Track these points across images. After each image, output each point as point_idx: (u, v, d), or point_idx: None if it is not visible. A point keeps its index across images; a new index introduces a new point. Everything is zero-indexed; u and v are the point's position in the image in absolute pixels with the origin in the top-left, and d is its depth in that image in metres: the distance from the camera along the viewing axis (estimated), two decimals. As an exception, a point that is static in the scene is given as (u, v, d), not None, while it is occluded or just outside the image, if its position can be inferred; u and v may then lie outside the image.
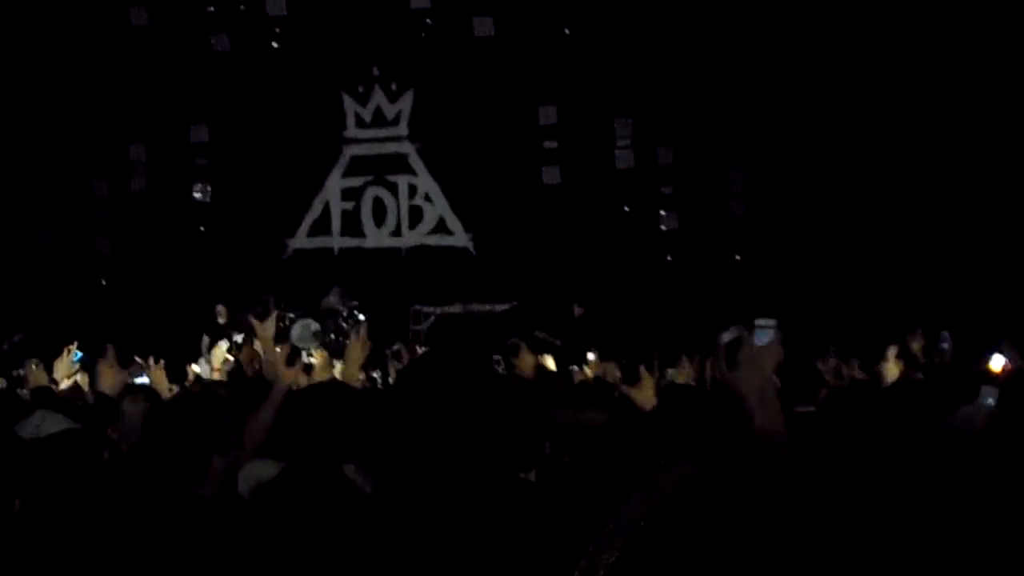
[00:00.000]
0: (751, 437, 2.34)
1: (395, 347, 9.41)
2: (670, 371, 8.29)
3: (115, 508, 2.73)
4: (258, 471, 3.15)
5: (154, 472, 2.79)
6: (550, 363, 7.22)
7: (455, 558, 1.90)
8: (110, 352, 5.11)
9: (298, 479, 2.74)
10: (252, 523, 2.61)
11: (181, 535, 2.60)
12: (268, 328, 5.10)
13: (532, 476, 3.13)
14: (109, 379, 4.89)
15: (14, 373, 8.26)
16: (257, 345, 6.65)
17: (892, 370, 5.60)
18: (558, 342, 10.30)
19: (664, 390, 4.04)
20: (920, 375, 5.64)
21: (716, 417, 2.73)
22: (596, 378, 7.00)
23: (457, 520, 1.94)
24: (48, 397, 4.80)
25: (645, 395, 3.67)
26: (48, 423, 3.23)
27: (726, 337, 2.56)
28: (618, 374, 7.05)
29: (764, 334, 2.67)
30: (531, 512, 2.01)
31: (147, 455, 2.89)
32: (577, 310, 12.79)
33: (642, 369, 3.54)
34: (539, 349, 7.22)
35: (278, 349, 4.59)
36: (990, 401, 3.76)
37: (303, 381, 5.59)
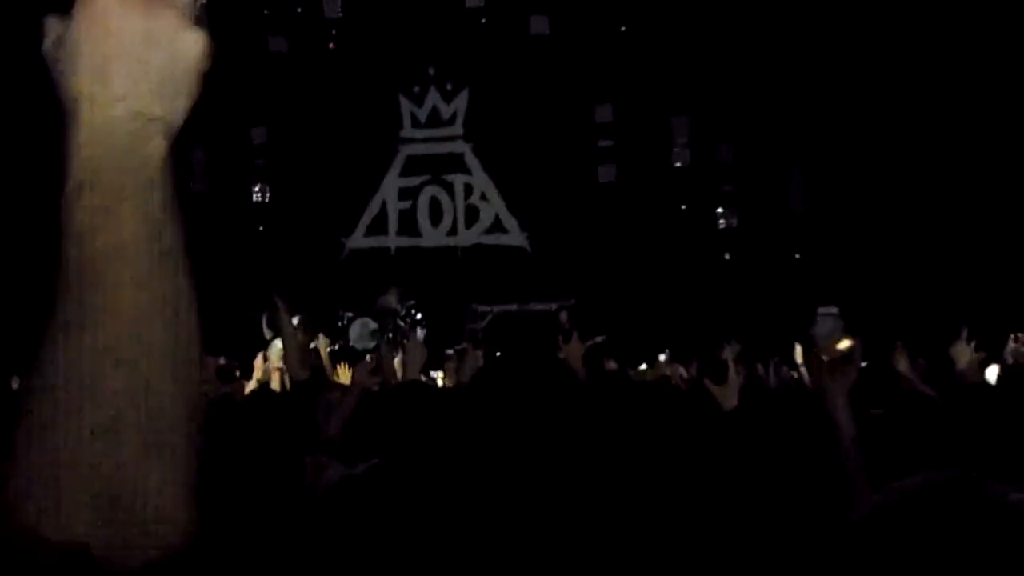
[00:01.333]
0: (836, 443, 2.29)
1: (458, 347, 9.41)
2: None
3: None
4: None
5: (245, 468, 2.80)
6: (610, 363, 7.17)
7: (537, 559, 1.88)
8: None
9: (387, 478, 2.73)
10: (337, 522, 2.60)
11: (269, 532, 2.61)
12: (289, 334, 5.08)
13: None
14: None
15: None
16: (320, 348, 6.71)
17: (965, 353, 5.44)
18: (602, 338, 10.21)
19: (746, 390, 3.96)
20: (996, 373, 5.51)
21: (800, 423, 2.69)
22: (662, 377, 6.95)
23: (543, 522, 1.92)
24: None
25: (729, 394, 3.59)
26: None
27: (819, 333, 2.52)
28: (683, 373, 6.99)
29: (825, 322, 2.62)
30: (614, 511, 1.98)
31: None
32: (563, 317, 12.68)
33: (730, 368, 3.46)
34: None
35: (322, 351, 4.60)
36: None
37: (346, 380, 5.62)
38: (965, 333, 5.40)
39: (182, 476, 0.80)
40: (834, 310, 2.63)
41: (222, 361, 6.68)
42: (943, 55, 12.17)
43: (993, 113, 11.93)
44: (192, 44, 0.94)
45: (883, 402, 3.64)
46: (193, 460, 0.82)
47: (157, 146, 0.90)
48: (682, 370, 7.45)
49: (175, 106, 0.91)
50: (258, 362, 7.24)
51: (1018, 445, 2.57)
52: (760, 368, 7.03)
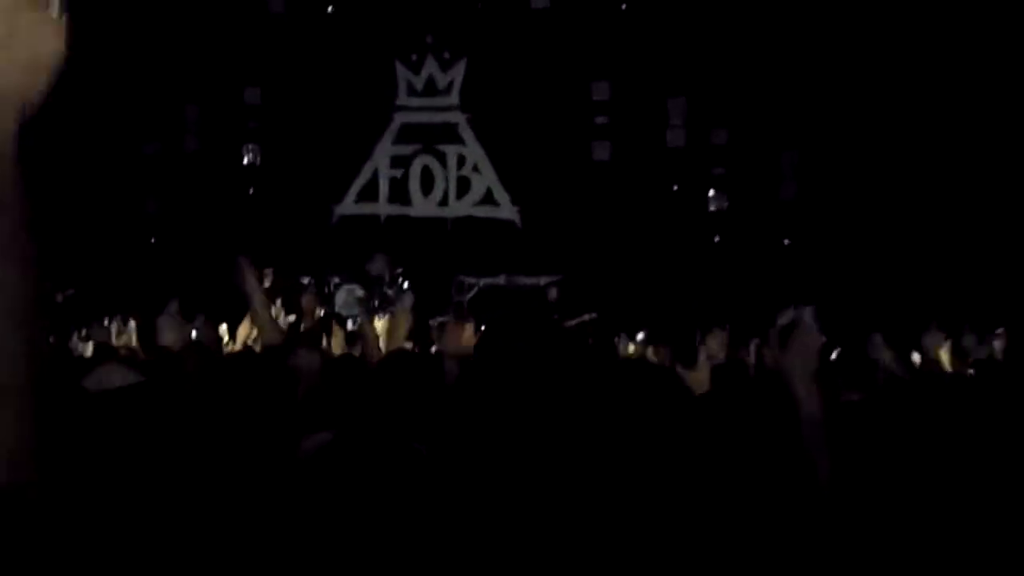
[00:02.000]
0: (797, 423, 2.31)
1: (441, 319, 9.42)
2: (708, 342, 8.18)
3: (186, 463, 2.74)
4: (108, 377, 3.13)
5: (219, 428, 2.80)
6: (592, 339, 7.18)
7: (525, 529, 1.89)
8: (173, 307, 5.12)
9: (361, 447, 2.73)
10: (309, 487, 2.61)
11: (246, 494, 2.62)
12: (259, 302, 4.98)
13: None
14: (172, 334, 4.90)
15: (75, 332, 8.37)
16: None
17: (937, 344, 5.50)
18: (592, 315, 10.26)
19: (715, 372, 3.98)
20: (971, 370, 5.54)
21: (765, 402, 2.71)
22: (640, 358, 6.96)
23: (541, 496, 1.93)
24: (109, 353, 4.84)
25: (700, 378, 3.61)
26: (113, 376, 3.25)
27: (783, 320, 2.53)
28: (659, 355, 7.01)
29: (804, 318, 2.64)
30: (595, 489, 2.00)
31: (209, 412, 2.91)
32: (551, 293, 12.71)
33: (701, 351, 3.48)
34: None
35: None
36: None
37: (338, 349, 5.60)
38: (946, 346, 5.45)
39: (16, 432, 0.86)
40: (810, 309, 2.64)
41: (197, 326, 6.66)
42: (935, 48, 12.18)
43: (983, 105, 11.96)
44: (50, 36, 0.98)
45: (859, 388, 3.68)
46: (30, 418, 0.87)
47: (5, 126, 0.92)
48: (653, 351, 7.47)
49: (27, 89, 0.93)
50: (243, 327, 7.22)
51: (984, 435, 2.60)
52: (745, 352, 7.06)
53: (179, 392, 3.98)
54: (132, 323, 6.67)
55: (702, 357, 3.32)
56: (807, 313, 2.67)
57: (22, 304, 0.88)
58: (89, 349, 6.01)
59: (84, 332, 7.00)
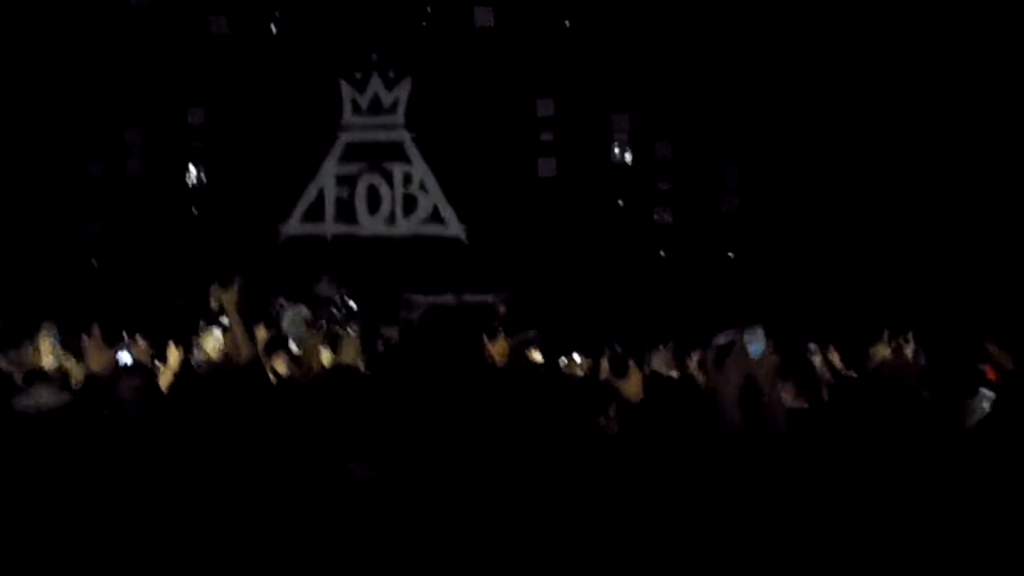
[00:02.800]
0: (721, 431, 2.37)
1: (384, 334, 9.40)
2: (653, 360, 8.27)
3: (123, 479, 2.73)
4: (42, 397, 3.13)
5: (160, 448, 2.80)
6: (536, 355, 7.22)
7: (449, 544, 1.91)
8: (95, 331, 5.08)
9: (304, 467, 2.75)
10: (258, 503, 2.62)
11: (190, 514, 2.61)
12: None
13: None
14: (97, 357, 4.87)
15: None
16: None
17: (882, 351, 5.61)
18: (533, 332, 10.29)
19: (649, 383, 4.05)
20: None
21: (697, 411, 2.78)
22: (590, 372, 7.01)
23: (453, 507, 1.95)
24: (39, 375, 4.79)
25: (632, 388, 3.68)
26: (45, 397, 3.23)
27: (721, 340, 2.60)
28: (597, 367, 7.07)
29: (756, 346, 2.70)
30: (528, 499, 2.02)
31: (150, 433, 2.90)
32: (501, 308, 12.72)
33: (631, 362, 3.55)
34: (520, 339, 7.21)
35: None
36: (985, 405, 3.78)
37: (282, 370, 5.59)
38: (886, 335, 5.55)
39: None
40: (759, 330, 2.71)
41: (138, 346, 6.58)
42: (877, 57, 12.42)
43: (928, 115, 12.21)
44: None
45: (805, 395, 3.76)
46: None
47: None
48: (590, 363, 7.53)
49: None
50: (209, 341, 7.18)
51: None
52: (688, 365, 7.13)
53: (109, 413, 3.95)
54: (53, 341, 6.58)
55: (632, 368, 3.38)
56: (754, 333, 2.73)
57: None
58: (19, 370, 5.92)
59: (13, 353, 6.88)
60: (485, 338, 5.29)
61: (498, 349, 4.91)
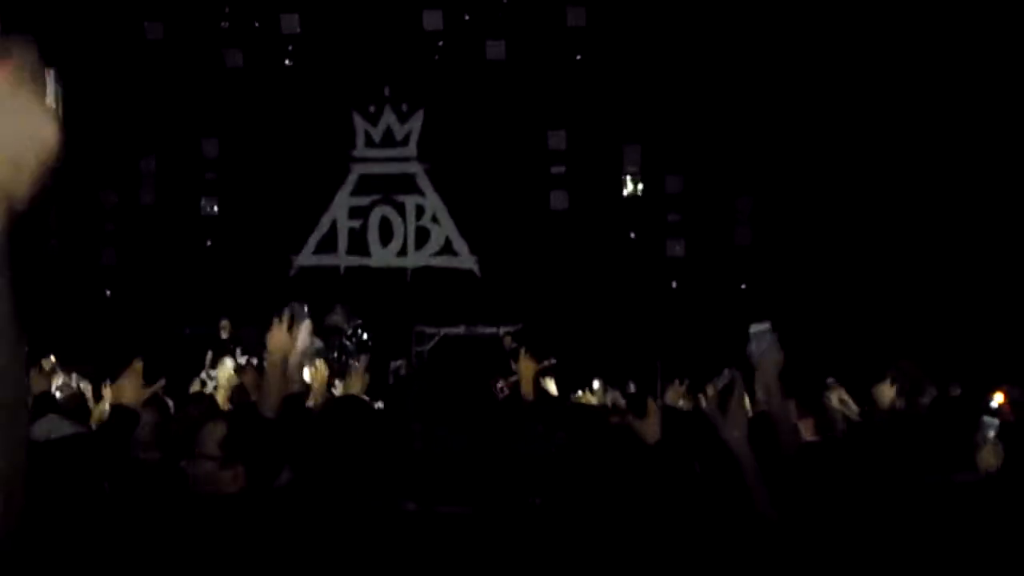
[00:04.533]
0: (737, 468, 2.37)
1: (397, 364, 9.39)
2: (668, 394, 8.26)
3: (133, 511, 2.73)
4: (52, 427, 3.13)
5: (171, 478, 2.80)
6: (551, 386, 7.20)
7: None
8: (138, 367, 5.07)
9: (310, 491, 2.73)
10: (262, 528, 2.60)
11: (195, 537, 2.60)
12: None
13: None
14: (130, 390, 4.85)
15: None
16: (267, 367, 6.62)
17: (887, 392, 5.57)
18: (552, 360, 10.24)
19: (666, 420, 4.02)
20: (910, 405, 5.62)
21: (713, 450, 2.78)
22: (601, 406, 6.98)
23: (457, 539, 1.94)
24: (50, 403, 4.80)
25: (650, 428, 3.65)
26: (57, 427, 3.23)
27: (720, 382, 2.62)
28: (623, 403, 7.04)
29: (761, 339, 2.69)
30: (534, 538, 2.01)
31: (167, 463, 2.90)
32: (507, 342, 12.68)
33: (650, 402, 3.52)
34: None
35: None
36: (991, 433, 3.75)
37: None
38: (888, 380, 5.52)
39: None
40: (766, 325, 2.71)
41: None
42: (891, 94, 12.43)
43: (939, 150, 12.20)
44: (46, 129, 0.95)
45: (817, 430, 3.74)
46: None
47: None
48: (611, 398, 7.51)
49: (18, 182, 0.91)
50: (223, 372, 7.19)
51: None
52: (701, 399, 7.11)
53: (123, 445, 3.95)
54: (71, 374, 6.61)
55: (651, 407, 3.37)
56: (766, 334, 2.72)
57: (9, 322, 0.88)
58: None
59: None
60: (513, 366, 5.28)
61: (525, 375, 4.84)
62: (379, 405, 9.05)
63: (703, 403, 7.04)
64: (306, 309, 3.89)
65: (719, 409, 2.56)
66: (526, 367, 4.90)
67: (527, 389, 4.85)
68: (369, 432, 2.84)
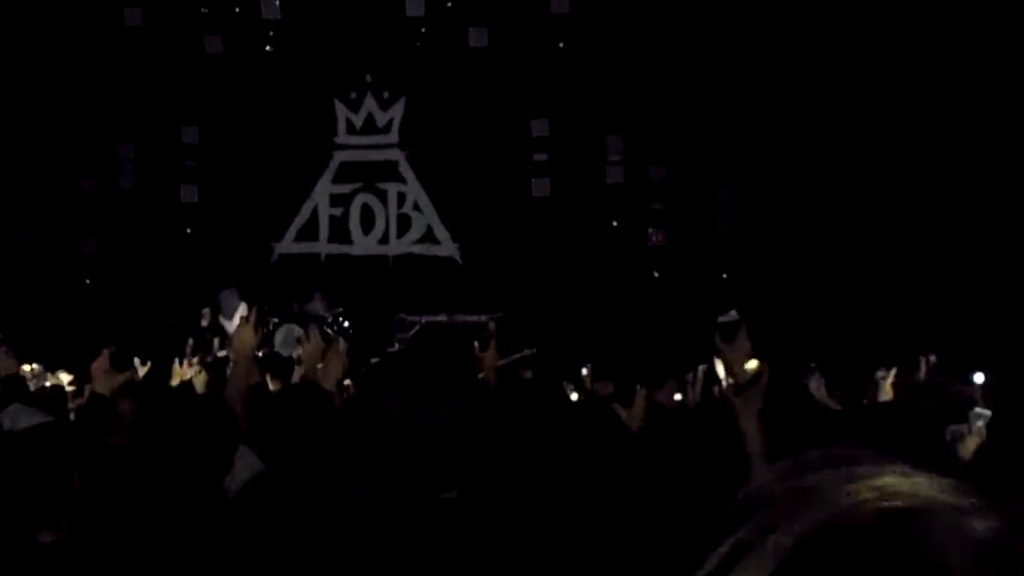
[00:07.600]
0: (743, 457, 2.34)
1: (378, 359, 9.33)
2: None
3: (107, 506, 2.70)
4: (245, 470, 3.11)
5: (153, 471, 2.77)
6: (527, 374, 7.19)
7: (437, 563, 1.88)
8: (105, 355, 5.05)
9: (283, 481, 2.71)
10: (239, 523, 2.57)
11: (170, 534, 2.57)
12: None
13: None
14: (104, 380, 4.83)
15: None
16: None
17: (887, 390, 5.58)
18: (532, 350, 10.24)
19: (651, 413, 4.02)
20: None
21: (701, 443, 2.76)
22: (591, 394, 6.99)
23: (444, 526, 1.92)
24: (20, 389, 4.76)
25: (635, 416, 3.65)
26: (23, 417, 3.19)
27: (723, 319, 2.59)
28: (610, 391, 7.04)
29: (727, 329, 2.68)
30: (519, 522, 1.99)
31: (145, 454, 2.86)
32: (491, 326, 12.65)
33: (638, 391, 3.52)
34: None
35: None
36: (980, 424, 3.76)
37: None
38: (892, 373, 5.51)
39: None
40: (733, 315, 2.70)
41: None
42: (870, 81, 12.46)
43: (920, 135, 12.24)
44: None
45: (794, 419, 3.72)
46: None
47: None
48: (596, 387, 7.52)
49: None
50: (176, 367, 7.16)
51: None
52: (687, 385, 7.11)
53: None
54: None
55: (639, 397, 3.36)
56: (734, 322, 2.71)
57: None
58: None
59: None
60: (477, 349, 5.30)
61: (489, 364, 4.91)
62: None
63: (688, 394, 7.05)
64: (237, 294, 3.93)
65: (735, 393, 2.50)
66: (490, 356, 4.93)
67: (490, 376, 4.89)
68: (321, 418, 2.83)
